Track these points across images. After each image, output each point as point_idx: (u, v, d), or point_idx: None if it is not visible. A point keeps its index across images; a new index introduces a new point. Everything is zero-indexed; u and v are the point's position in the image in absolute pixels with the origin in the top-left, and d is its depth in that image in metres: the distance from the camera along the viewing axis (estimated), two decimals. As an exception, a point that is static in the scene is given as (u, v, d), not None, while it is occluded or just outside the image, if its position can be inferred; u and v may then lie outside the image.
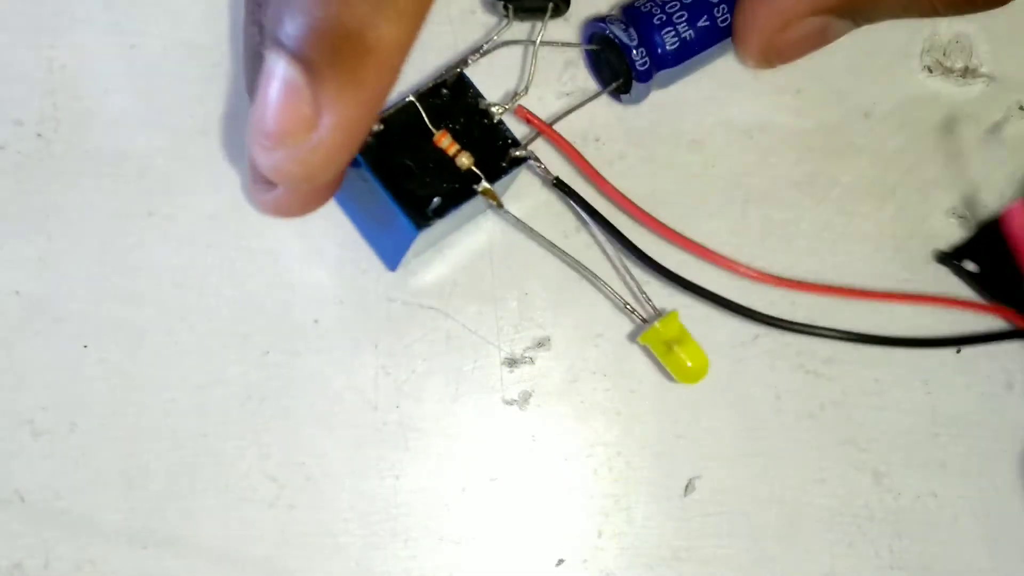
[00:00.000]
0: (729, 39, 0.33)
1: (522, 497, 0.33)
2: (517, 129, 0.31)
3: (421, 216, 0.29)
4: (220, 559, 0.31)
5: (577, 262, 0.32)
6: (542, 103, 0.35)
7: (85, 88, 0.34)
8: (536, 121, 0.32)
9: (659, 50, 0.33)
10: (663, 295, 0.34)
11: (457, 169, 0.29)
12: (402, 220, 0.29)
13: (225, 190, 0.33)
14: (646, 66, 0.33)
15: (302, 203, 0.28)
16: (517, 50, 0.35)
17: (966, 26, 0.37)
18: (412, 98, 0.29)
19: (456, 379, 0.33)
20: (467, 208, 0.29)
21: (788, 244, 0.35)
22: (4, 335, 0.32)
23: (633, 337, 0.34)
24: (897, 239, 0.36)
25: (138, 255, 0.33)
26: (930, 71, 0.37)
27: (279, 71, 0.22)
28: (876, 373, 0.35)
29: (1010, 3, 0.32)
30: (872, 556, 0.34)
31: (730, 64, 0.35)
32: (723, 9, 0.33)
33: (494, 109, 0.30)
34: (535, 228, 0.32)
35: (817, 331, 0.33)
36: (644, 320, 0.32)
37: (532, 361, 0.34)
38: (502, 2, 0.32)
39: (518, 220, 0.32)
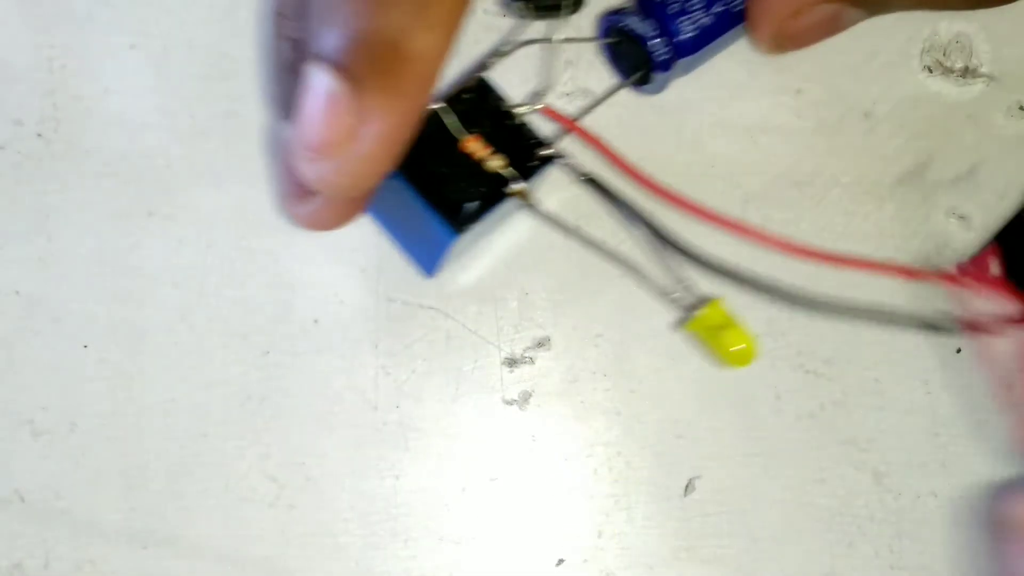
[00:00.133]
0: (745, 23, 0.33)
1: (522, 497, 0.33)
2: (542, 128, 0.31)
3: (457, 221, 0.29)
4: (220, 559, 0.31)
5: (616, 255, 0.32)
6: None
7: (85, 88, 0.34)
8: (563, 119, 0.32)
9: (678, 38, 0.33)
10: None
11: (489, 172, 0.29)
12: (439, 226, 0.29)
13: (225, 190, 0.33)
14: (666, 56, 0.33)
15: (339, 215, 0.28)
16: (532, 50, 0.35)
17: (966, 26, 0.37)
18: (441, 105, 0.29)
19: (456, 379, 0.33)
20: (501, 210, 0.30)
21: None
22: (4, 335, 0.32)
23: (637, 335, 0.34)
24: (897, 239, 0.36)
25: (138, 255, 0.33)
26: (930, 71, 0.37)
27: (320, 83, 0.23)
28: (876, 373, 0.35)
29: (1011, 3, 0.32)
30: (872, 556, 0.34)
31: (730, 64, 0.35)
32: None
33: (519, 110, 0.30)
34: (568, 225, 0.32)
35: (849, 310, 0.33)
36: (688, 309, 0.32)
37: (532, 361, 0.34)
38: (520, 2, 0.32)
39: (552, 218, 0.32)
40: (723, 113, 0.36)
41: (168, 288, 0.33)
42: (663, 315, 0.34)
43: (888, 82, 0.37)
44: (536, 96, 0.31)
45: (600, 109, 0.35)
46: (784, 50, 0.34)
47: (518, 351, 0.34)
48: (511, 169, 0.29)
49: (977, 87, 0.37)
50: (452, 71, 0.34)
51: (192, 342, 0.32)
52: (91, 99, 0.34)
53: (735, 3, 0.33)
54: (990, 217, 0.36)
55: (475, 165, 0.29)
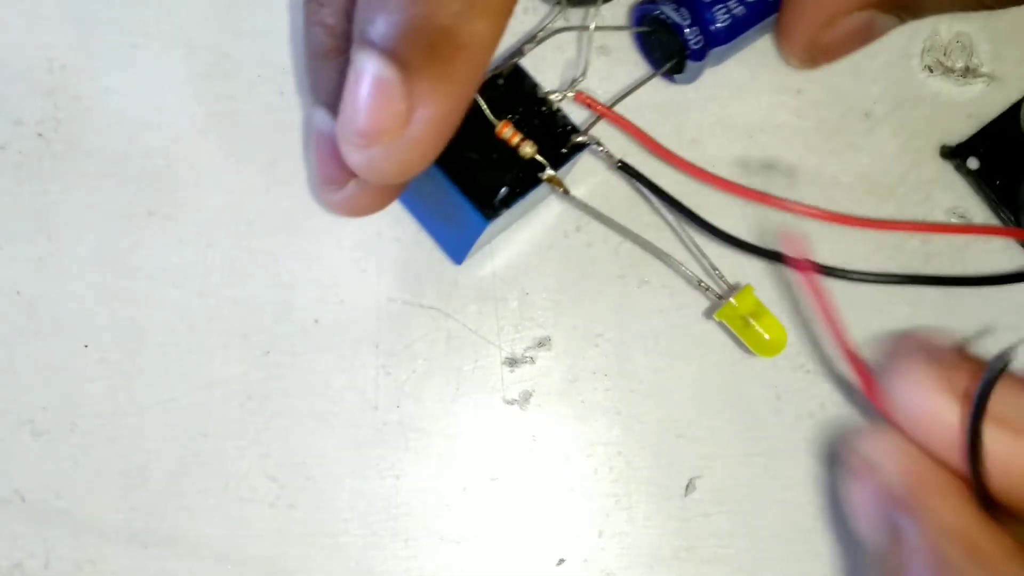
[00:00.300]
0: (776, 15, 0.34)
1: (523, 497, 0.33)
2: (575, 115, 0.31)
3: (489, 207, 0.29)
4: (220, 559, 0.31)
5: (647, 242, 0.32)
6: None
7: (85, 88, 0.34)
8: (597, 105, 0.32)
9: (712, 27, 0.33)
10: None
11: (520, 158, 0.29)
12: (470, 212, 0.29)
13: (225, 190, 0.33)
14: (700, 44, 0.33)
15: (375, 201, 0.28)
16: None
17: (966, 26, 0.37)
18: None
19: (457, 379, 0.33)
20: (532, 196, 0.30)
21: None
22: (4, 335, 0.32)
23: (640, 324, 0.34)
24: (897, 239, 0.36)
25: (138, 255, 0.33)
26: (930, 71, 0.37)
27: (371, 69, 0.23)
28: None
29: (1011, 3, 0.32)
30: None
31: (730, 64, 0.35)
32: None
33: (553, 96, 0.30)
34: (599, 212, 0.32)
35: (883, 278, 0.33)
36: (719, 297, 0.33)
37: (533, 361, 0.34)
38: None
39: (585, 205, 0.32)
40: (723, 113, 0.36)
41: (168, 288, 0.33)
42: (664, 315, 0.34)
43: (888, 82, 0.37)
44: (569, 83, 0.31)
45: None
46: (816, 63, 0.34)
47: (519, 351, 0.34)
48: (543, 156, 0.29)
49: (977, 87, 0.37)
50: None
51: (192, 342, 0.32)
52: (91, 99, 0.34)
53: None
54: (990, 217, 0.36)
55: (507, 151, 0.29)
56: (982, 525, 0.20)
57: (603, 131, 0.32)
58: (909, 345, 0.22)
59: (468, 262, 0.34)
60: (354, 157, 0.24)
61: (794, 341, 0.34)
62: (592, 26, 0.32)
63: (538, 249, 0.34)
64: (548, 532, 0.33)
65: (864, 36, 0.33)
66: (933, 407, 0.21)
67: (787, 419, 0.34)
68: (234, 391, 0.32)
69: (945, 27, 0.37)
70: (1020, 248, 0.36)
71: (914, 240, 0.36)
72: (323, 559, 0.32)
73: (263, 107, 0.34)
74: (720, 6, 0.33)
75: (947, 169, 0.36)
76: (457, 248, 0.33)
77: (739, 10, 0.33)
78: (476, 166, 0.29)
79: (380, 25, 0.23)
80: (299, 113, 0.34)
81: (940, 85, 0.37)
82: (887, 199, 0.36)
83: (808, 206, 0.32)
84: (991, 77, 0.37)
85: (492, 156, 0.29)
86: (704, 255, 0.33)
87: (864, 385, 0.24)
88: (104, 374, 0.32)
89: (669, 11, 0.33)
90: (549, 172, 0.29)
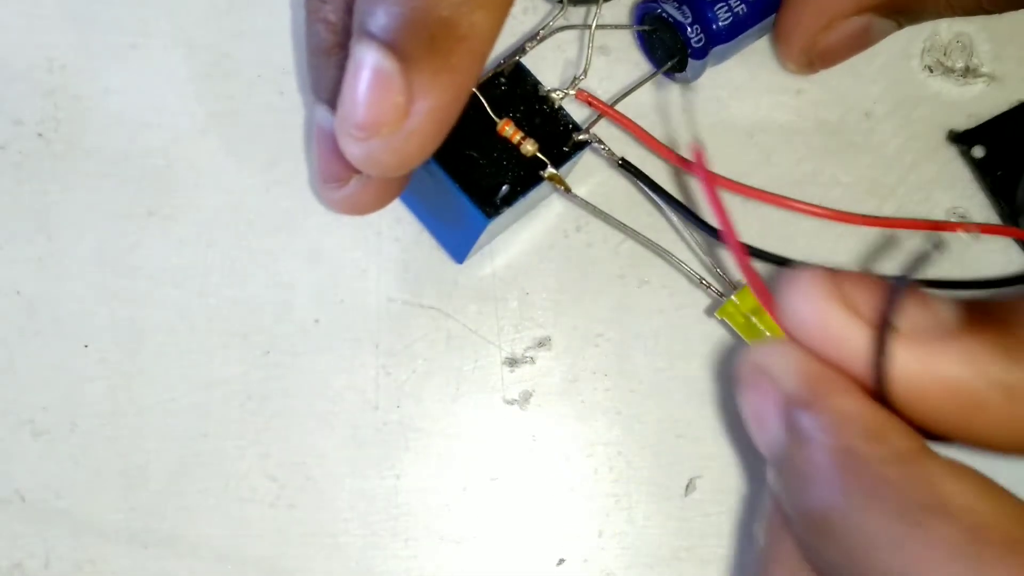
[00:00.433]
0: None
1: (523, 497, 0.33)
2: (576, 113, 0.31)
3: (490, 205, 0.29)
4: (220, 559, 0.31)
5: (648, 240, 0.32)
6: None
7: (85, 88, 0.34)
8: (599, 104, 0.32)
9: (714, 26, 0.33)
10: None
11: (522, 156, 0.29)
12: (471, 210, 0.29)
13: (225, 190, 0.33)
14: (701, 43, 0.33)
15: (376, 198, 0.28)
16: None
17: (966, 26, 0.37)
18: (474, 89, 0.29)
19: (457, 379, 0.33)
20: (533, 195, 0.30)
21: (788, 244, 0.35)
22: (4, 335, 0.32)
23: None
24: (898, 239, 0.36)
25: (138, 255, 0.33)
26: (930, 71, 0.37)
27: (370, 61, 0.23)
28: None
29: None
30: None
31: (730, 64, 0.35)
32: None
33: (555, 95, 0.30)
34: (600, 210, 0.32)
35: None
36: (720, 294, 0.32)
37: (533, 361, 0.34)
38: None
39: (586, 203, 0.32)
40: (723, 113, 0.36)
41: (168, 288, 0.33)
42: (664, 315, 0.34)
43: (888, 82, 0.37)
44: (570, 82, 0.31)
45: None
46: (814, 68, 0.34)
47: (519, 351, 0.34)
48: (544, 154, 0.29)
49: (977, 87, 0.37)
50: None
51: (192, 342, 0.32)
52: (91, 99, 0.34)
53: None
54: (990, 216, 0.36)
55: (508, 150, 0.29)
56: (883, 413, 0.21)
57: (604, 130, 0.32)
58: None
59: (468, 262, 0.34)
60: (353, 150, 0.24)
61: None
62: (593, 25, 0.32)
63: (538, 249, 0.34)
64: (548, 532, 0.33)
65: (861, 41, 0.33)
66: (823, 314, 0.21)
67: (787, 419, 0.34)
68: (234, 391, 0.32)
69: (945, 27, 0.37)
70: (1020, 249, 0.36)
71: (914, 240, 0.36)
72: (323, 559, 0.32)
73: (263, 107, 0.34)
74: (722, 4, 0.33)
75: (947, 165, 0.36)
76: (458, 247, 0.33)
77: (741, 9, 0.33)
78: (477, 164, 0.29)
79: (380, 16, 0.23)
80: (299, 113, 0.34)
81: (940, 85, 0.37)
82: (887, 199, 0.36)
83: (809, 204, 0.32)
84: (991, 77, 0.37)
85: (493, 154, 0.29)
86: (705, 253, 0.33)
87: (759, 296, 0.24)
88: (104, 374, 0.32)
89: (671, 9, 0.33)
90: (550, 170, 0.29)
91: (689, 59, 0.33)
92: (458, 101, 0.24)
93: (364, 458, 0.32)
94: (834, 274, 0.21)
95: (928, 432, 0.21)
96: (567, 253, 0.34)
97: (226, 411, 0.32)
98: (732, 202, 0.35)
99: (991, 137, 0.36)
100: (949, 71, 0.37)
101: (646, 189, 0.32)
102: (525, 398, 0.33)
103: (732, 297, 0.32)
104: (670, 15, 0.33)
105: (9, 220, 0.33)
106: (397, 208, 0.34)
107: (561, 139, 0.30)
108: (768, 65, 0.36)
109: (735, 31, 0.33)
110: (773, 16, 0.34)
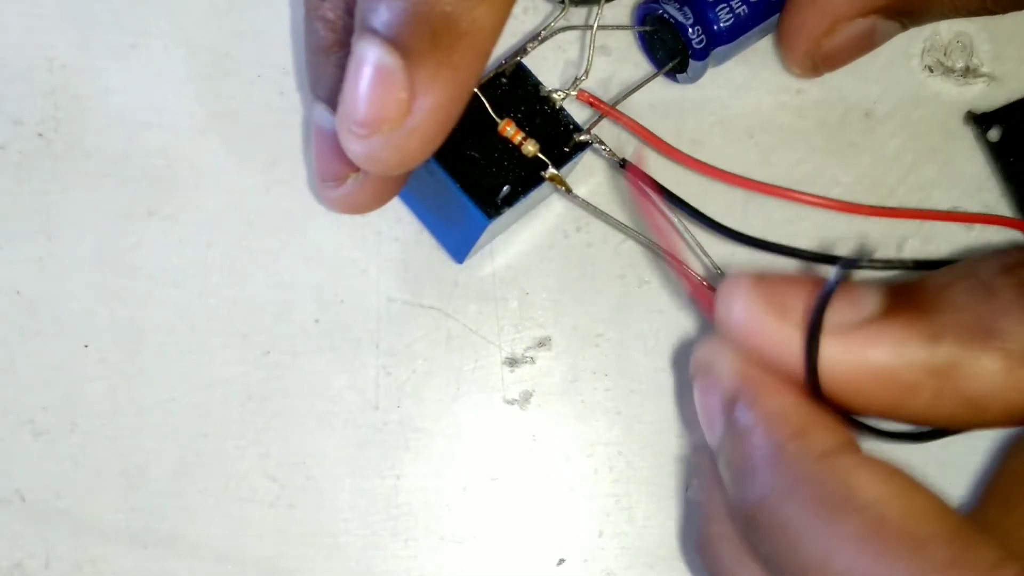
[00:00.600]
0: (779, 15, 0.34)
1: (523, 497, 0.33)
2: (577, 114, 0.31)
3: (491, 205, 0.29)
4: (220, 559, 0.31)
5: (649, 240, 0.32)
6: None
7: (85, 88, 0.34)
8: (600, 104, 0.32)
9: (715, 27, 0.33)
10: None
11: (523, 157, 0.29)
12: (472, 211, 0.29)
13: (225, 190, 0.33)
14: (702, 44, 0.33)
15: (374, 196, 0.28)
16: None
17: (967, 26, 0.37)
18: (475, 89, 0.29)
19: (457, 379, 0.33)
20: (534, 195, 0.30)
21: (788, 244, 0.35)
22: (4, 335, 0.32)
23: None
24: (898, 239, 0.36)
25: (138, 255, 0.33)
26: (931, 71, 0.37)
27: (372, 58, 0.23)
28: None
29: None
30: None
31: (731, 64, 0.35)
32: None
33: (556, 95, 0.30)
34: (601, 211, 0.32)
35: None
36: (714, 290, 0.32)
37: (533, 361, 0.34)
38: None
39: (587, 203, 0.32)
40: (723, 113, 0.36)
41: (168, 288, 0.33)
42: (664, 315, 0.34)
43: (888, 82, 0.37)
44: (572, 82, 0.31)
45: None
46: (818, 71, 0.34)
47: (519, 351, 0.34)
48: (545, 154, 0.29)
49: (978, 87, 0.37)
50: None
51: (192, 342, 0.32)
52: (91, 99, 0.34)
53: None
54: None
55: (509, 150, 0.29)
56: (809, 410, 0.22)
57: (605, 131, 0.32)
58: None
59: (468, 262, 0.34)
60: (355, 147, 0.24)
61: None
62: (595, 26, 0.32)
63: (538, 249, 0.34)
64: (548, 532, 0.33)
65: (866, 44, 0.33)
66: (754, 319, 0.22)
67: (787, 419, 0.34)
68: (234, 391, 0.32)
69: (945, 27, 0.37)
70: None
71: (914, 241, 0.36)
72: (323, 559, 0.32)
73: (263, 107, 0.34)
74: (723, 5, 0.33)
75: (947, 165, 0.36)
76: (459, 247, 0.33)
77: (742, 9, 0.33)
78: (478, 164, 0.29)
79: (382, 12, 0.23)
80: (299, 113, 0.34)
81: (940, 85, 0.37)
82: (887, 199, 0.36)
83: (811, 195, 0.31)
84: (991, 77, 0.37)
85: (494, 155, 0.29)
86: (706, 253, 0.33)
87: (699, 302, 0.26)
88: (104, 374, 0.32)
89: (672, 10, 0.33)
90: (551, 171, 0.29)
91: (690, 60, 0.33)
92: (460, 98, 0.24)
93: (364, 458, 0.32)
94: (765, 280, 0.23)
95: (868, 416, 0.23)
96: (567, 253, 0.34)
97: (226, 411, 0.32)
98: (733, 199, 0.35)
99: (1009, 120, 0.36)
100: (949, 71, 0.37)
101: (647, 189, 0.32)
102: (525, 398, 0.33)
103: None
104: (671, 16, 0.33)
105: (9, 220, 0.33)
106: (397, 208, 0.34)
107: (562, 140, 0.30)
108: (769, 65, 0.36)
109: (736, 32, 0.33)
110: (775, 17, 0.34)
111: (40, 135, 0.33)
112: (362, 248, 0.34)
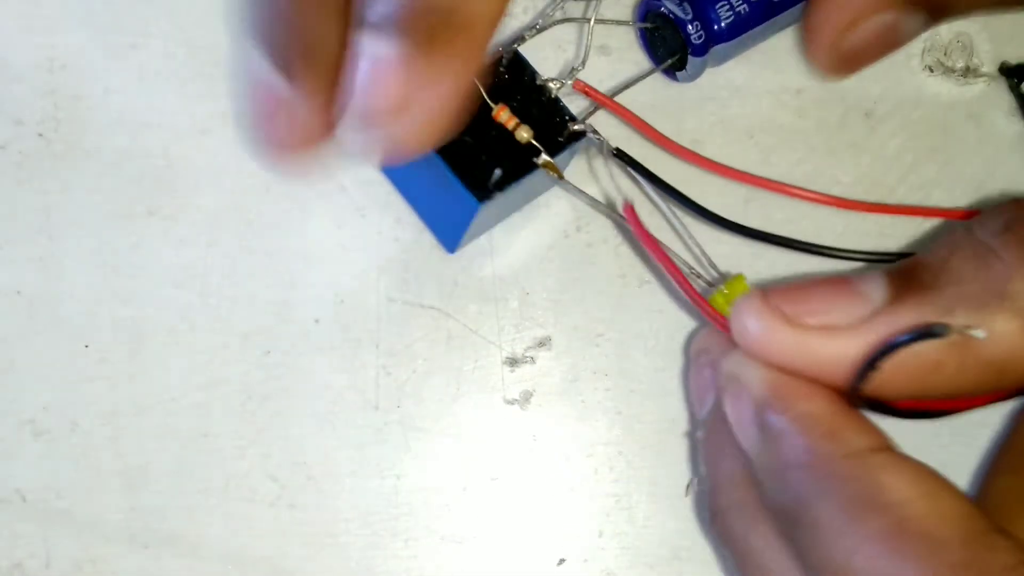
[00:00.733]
0: (783, 16, 0.34)
1: (523, 497, 0.33)
2: (573, 105, 0.31)
3: (482, 189, 0.29)
4: (220, 559, 0.31)
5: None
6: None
7: (85, 88, 0.34)
8: (596, 94, 0.32)
9: (715, 25, 0.33)
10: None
11: (517, 143, 0.29)
12: (463, 194, 0.29)
13: (225, 190, 0.33)
14: (701, 40, 0.33)
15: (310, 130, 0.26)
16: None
17: (967, 26, 0.37)
18: None
19: (457, 379, 0.33)
20: (528, 183, 0.30)
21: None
22: (4, 335, 0.32)
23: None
24: (898, 239, 0.36)
25: (138, 255, 0.33)
26: (931, 71, 0.37)
27: (373, 51, 0.22)
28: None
29: None
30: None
31: (730, 64, 0.35)
32: None
33: (552, 85, 0.30)
34: (595, 199, 0.32)
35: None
36: (710, 284, 0.32)
37: (533, 361, 0.34)
38: None
39: (580, 192, 0.32)
40: (723, 113, 0.36)
41: (168, 288, 0.33)
42: (665, 314, 0.34)
43: (888, 82, 0.37)
44: (568, 72, 0.31)
45: (600, 110, 0.35)
46: (841, 71, 0.33)
47: (519, 351, 0.34)
48: (540, 143, 0.29)
49: (978, 87, 0.37)
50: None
51: (192, 342, 0.32)
52: (91, 99, 0.34)
53: None
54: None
55: (502, 135, 0.29)
56: (841, 413, 0.23)
57: (601, 124, 0.32)
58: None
59: (468, 262, 0.34)
60: (354, 139, 0.24)
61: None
62: (592, 17, 0.32)
63: (538, 249, 0.34)
64: (548, 532, 0.33)
65: (890, 40, 0.33)
66: (766, 332, 0.23)
67: (787, 419, 0.34)
68: (234, 391, 0.32)
69: (945, 27, 0.37)
70: None
71: (914, 240, 0.36)
72: (324, 559, 0.32)
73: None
74: (724, 3, 0.33)
75: (947, 165, 0.36)
76: (450, 234, 0.33)
77: (743, 8, 0.33)
78: (471, 148, 0.29)
79: (381, 6, 0.23)
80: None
81: (940, 85, 0.37)
82: (887, 199, 0.36)
83: (807, 190, 0.31)
84: (991, 77, 0.37)
85: (487, 140, 0.29)
86: (697, 244, 0.33)
87: (715, 323, 0.27)
88: (104, 374, 0.32)
89: (672, 6, 0.33)
90: (544, 157, 0.29)
91: (689, 56, 0.33)
92: (462, 90, 0.24)
93: (364, 458, 0.32)
94: (770, 293, 0.24)
95: (897, 402, 0.23)
96: (567, 253, 0.34)
97: (226, 411, 0.32)
98: (733, 199, 0.35)
99: None
100: (949, 71, 0.37)
101: (640, 179, 0.32)
102: (525, 398, 0.33)
103: (721, 287, 0.32)
104: (671, 11, 0.33)
105: (9, 220, 0.33)
106: (397, 208, 0.34)
107: (557, 129, 0.30)
108: (769, 65, 0.36)
109: (736, 31, 0.33)
110: (777, 19, 0.34)
111: (40, 135, 0.33)
112: (362, 248, 0.34)
